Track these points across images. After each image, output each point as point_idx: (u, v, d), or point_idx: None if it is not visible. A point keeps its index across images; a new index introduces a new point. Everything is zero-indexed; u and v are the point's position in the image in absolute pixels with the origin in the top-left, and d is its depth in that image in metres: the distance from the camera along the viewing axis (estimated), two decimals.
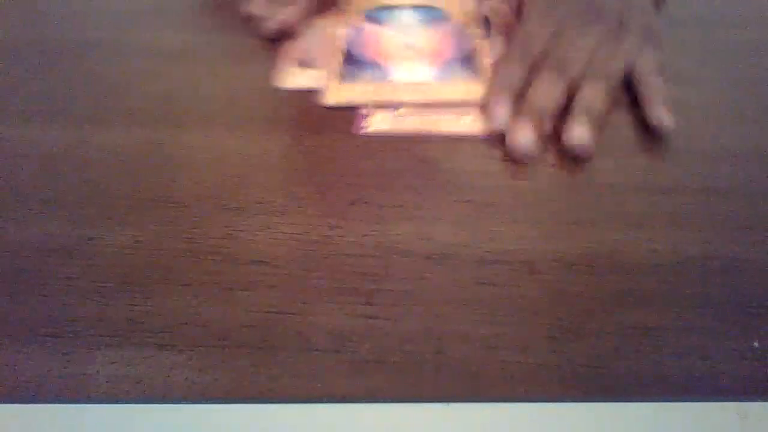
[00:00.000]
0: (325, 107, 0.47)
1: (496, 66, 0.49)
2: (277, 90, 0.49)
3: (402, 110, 0.46)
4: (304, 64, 0.50)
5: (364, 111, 0.47)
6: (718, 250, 0.37)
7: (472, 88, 0.48)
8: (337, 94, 0.48)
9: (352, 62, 0.50)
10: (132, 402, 0.30)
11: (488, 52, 0.51)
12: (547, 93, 0.44)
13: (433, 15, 0.56)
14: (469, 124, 0.45)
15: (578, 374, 0.31)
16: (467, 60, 0.51)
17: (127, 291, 0.35)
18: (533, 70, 0.46)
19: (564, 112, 0.45)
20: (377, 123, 0.45)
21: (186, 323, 0.33)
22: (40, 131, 0.46)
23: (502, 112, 0.44)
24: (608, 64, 0.46)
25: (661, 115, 0.45)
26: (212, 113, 0.48)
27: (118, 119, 0.47)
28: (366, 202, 0.40)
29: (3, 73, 0.52)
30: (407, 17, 0.56)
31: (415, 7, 0.57)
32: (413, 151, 0.44)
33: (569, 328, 0.33)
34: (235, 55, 0.54)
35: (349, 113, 0.47)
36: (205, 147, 0.45)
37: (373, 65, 0.50)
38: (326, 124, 0.46)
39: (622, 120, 0.47)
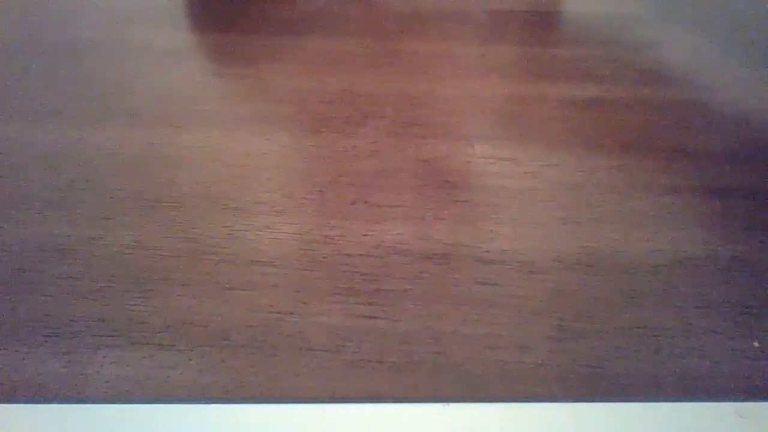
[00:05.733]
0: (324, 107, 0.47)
1: None
2: (277, 90, 0.49)
3: None
4: None
5: None
6: (718, 250, 0.37)
7: None
8: None
9: None
10: (132, 402, 0.30)
11: None
12: None
13: None
14: None
15: (578, 374, 0.31)
16: None
17: (127, 291, 0.35)
18: None
19: None
20: None
21: (186, 323, 0.33)
22: (40, 131, 0.46)
23: None
24: None
25: None
26: (212, 113, 0.48)
27: (118, 119, 0.47)
28: (366, 202, 0.40)
29: (3, 73, 0.52)
30: None
31: None
32: (413, 151, 0.44)
33: (569, 328, 0.33)
34: (234, 55, 0.53)
35: (348, 113, 0.47)
36: (205, 147, 0.45)
37: None
38: (326, 124, 0.46)
39: (623, 120, 0.47)
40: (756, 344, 0.32)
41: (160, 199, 0.40)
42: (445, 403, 0.30)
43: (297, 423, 0.30)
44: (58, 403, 0.30)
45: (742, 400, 0.30)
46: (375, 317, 0.34)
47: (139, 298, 0.35)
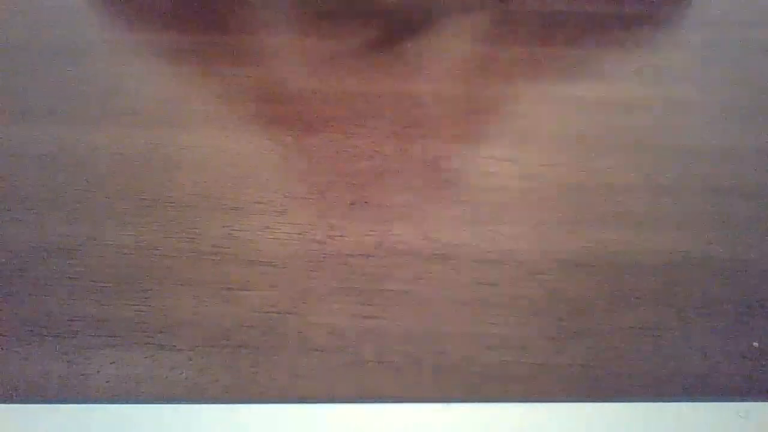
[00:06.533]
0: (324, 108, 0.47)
1: None
2: (278, 90, 0.49)
3: None
4: None
5: None
6: (718, 250, 0.37)
7: None
8: None
9: None
10: (132, 402, 0.30)
11: None
12: None
13: None
14: None
15: (578, 374, 0.31)
16: None
17: (127, 291, 0.35)
18: None
19: None
20: None
21: (186, 323, 0.33)
22: (39, 131, 0.46)
23: None
24: None
25: None
26: (212, 113, 0.48)
27: (118, 119, 0.47)
28: (366, 202, 0.40)
29: (3, 73, 0.52)
30: None
31: None
32: (413, 151, 0.44)
33: (569, 328, 0.33)
34: (234, 55, 0.53)
35: (348, 113, 0.47)
36: (205, 147, 0.45)
37: None
38: (326, 124, 0.46)
39: (622, 120, 0.47)
40: (756, 344, 0.32)
41: (160, 199, 0.40)
42: (446, 403, 0.30)
43: (297, 423, 0.30)
44: (58, 403, 0.30)
45: (742, 400, 0.30)
46: (375, 317, 0.34)
47: (139, 298, 0.35)
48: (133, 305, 0.34)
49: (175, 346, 0.32)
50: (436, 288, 0.35)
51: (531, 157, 0.44)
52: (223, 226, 0.39)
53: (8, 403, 0.30)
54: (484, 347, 0.32)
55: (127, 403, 0.30)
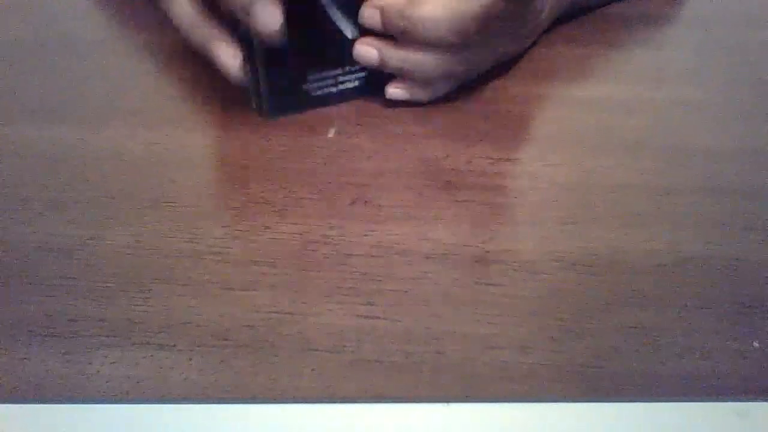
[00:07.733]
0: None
1: None
2: None
3: None
4: None
5: None
6: (718, 250, 0.37)
7: None
8: None
9: None
10: (132, 402, 0.30)
11: None
12: None
13: None
14: None
15: (578, 374, 0.31)
16: None
17: (127, 291, 0.35)
18: None
19: None
20: None
21: (186, 323, 0.33)
22: (40, 131, 0.46)
23: None
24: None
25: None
26: (211, 113, 0.48)
27: (118, 119, 0.47)
28: (366, 202, 0.40)
29: (3, 73, 0.52)
30: None
31: None
32: (413, 151, 0.44)
33: (569, 328, 0.33)
34: None
35: (348, 113, 0.47)
36: (204, 147, 0.45)
37: None
38: (326, 124, 0.46)
39: (622, 120, 0.47)
40: (756, 344, 0.32)
41: (160, 199, 0.40)
42: (446, 403, 0.30)
43: (297, 423, 0.30)
44: (58, 403, 0.30)
45: (742, 400, 0.30)
46: (375, 317, 0.34)
47: (139, 298, 0.35)
48: (133, 305, 0.34)
49: (175, 346, 0.32)
50: (436, 288, 0.35)
51: (531, 157, 0.44)
52: (223, 226, 0.39)
53: (8, 403, 0.30)
54: (484, 347, 0.32)
55: (127, 403, 0.30)
